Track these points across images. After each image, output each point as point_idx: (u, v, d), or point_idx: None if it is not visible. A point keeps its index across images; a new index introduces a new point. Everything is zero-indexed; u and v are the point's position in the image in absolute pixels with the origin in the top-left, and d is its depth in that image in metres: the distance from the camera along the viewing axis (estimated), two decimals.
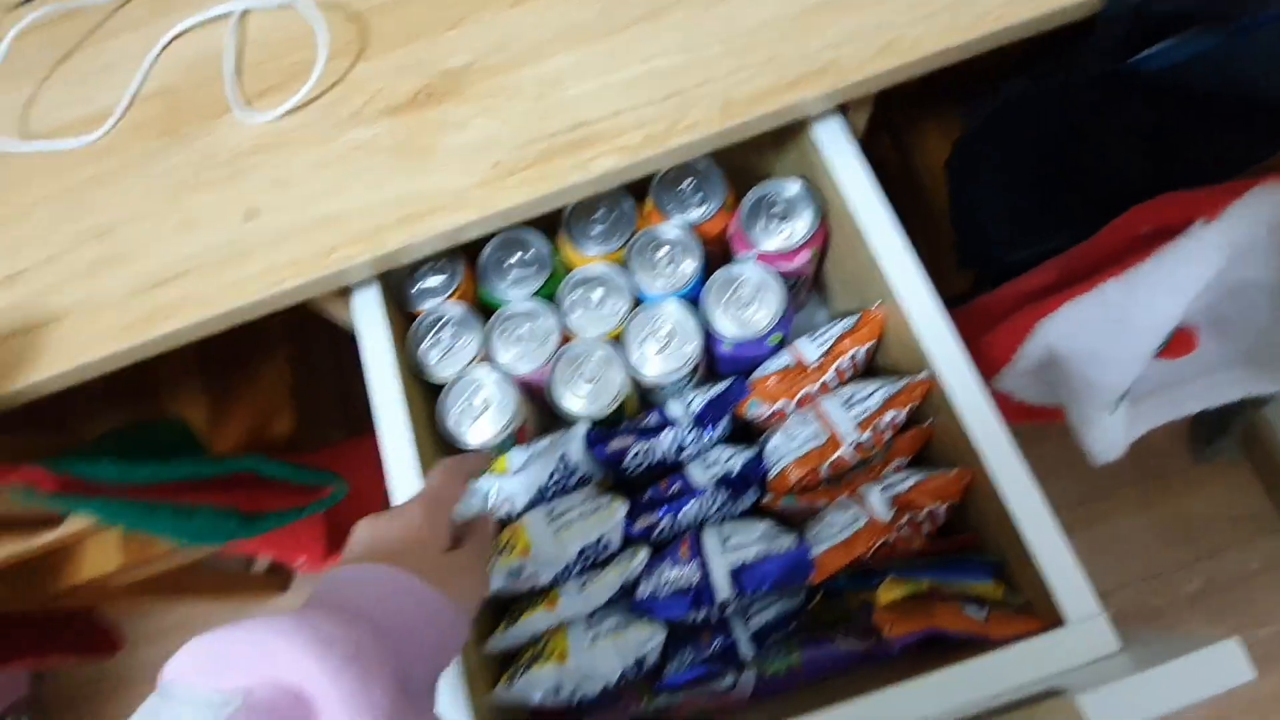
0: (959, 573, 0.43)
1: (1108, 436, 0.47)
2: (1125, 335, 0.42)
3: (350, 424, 0.89)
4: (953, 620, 0.41)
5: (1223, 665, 0.34)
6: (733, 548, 0.47)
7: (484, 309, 0.53)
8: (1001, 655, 0.38)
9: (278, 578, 1.20)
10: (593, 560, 0.49)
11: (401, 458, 0.47)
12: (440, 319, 0.53)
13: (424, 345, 0.52)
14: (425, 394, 0.52)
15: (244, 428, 0.79)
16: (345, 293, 0.51)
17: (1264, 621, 0.98)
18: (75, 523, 0.72)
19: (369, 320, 0.50)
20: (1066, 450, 1.05)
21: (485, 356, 0.52)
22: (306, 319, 0.86)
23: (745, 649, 0.48)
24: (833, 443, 0.47)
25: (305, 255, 0.45)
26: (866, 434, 0.47)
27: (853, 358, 0.50)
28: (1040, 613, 0.41)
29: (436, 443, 0.51)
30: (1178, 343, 0.44)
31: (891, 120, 0.84)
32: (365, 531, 0.35)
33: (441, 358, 0.52)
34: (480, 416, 0.50)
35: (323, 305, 0.53)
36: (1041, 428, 0.61)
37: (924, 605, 0.43)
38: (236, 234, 0.47)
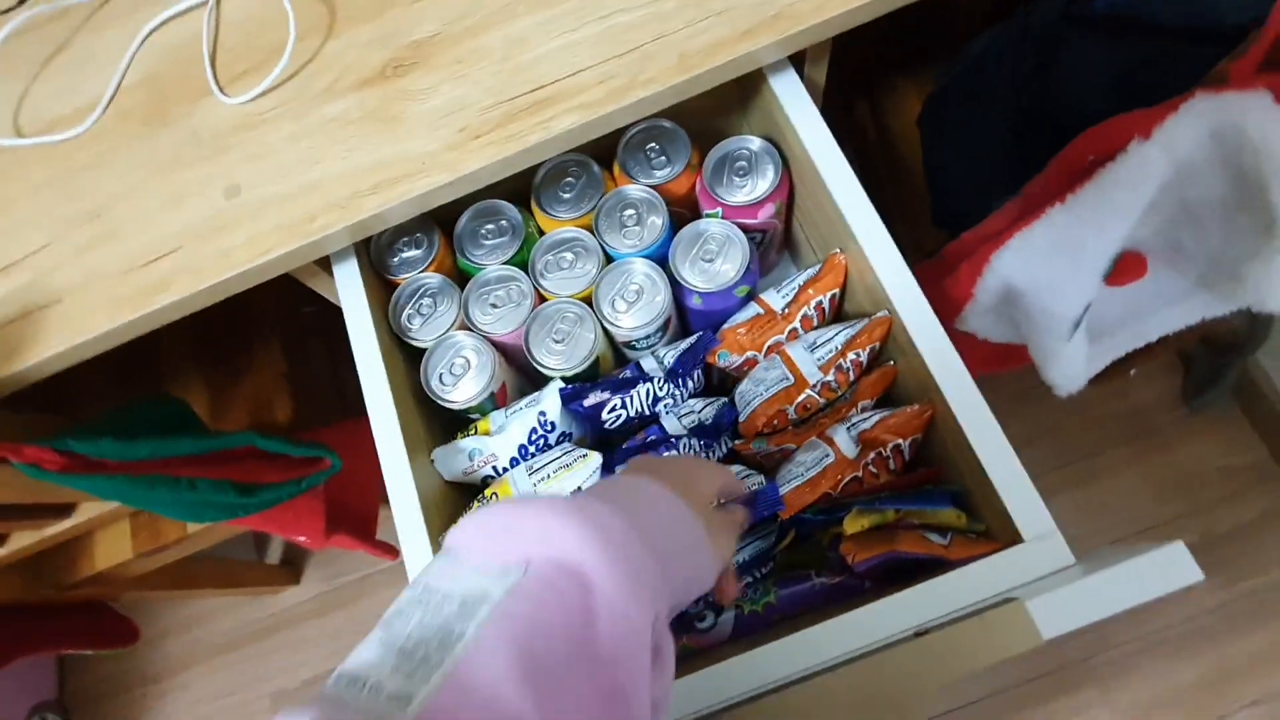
0: (922, 502, 0.44)
1: (1067, 368, 0.48)
2: (1074, 260, 0.43)
3: (346, 409, 0.92)
4: (914, 544, 0.42)
5: (1169, 567, 0.35)
6: None
7: (461, 277, 0.55)
8: (963, 573, 0.39)
9: (290, 570, 1.23)
10: None
11: (384, 417, 0.49)
12: (420, 288, 0.55)
13: (405, 313, 0.54)
14: (408, 358, 0.54)
15: (244, 415, 0.82)
16: (328, 266, 0.53)
17: (1263, 571, 0.99)
18: (86, 511, 0.74)
19: (351, 289, 0.52)
20: (1056, 413, 1.05)
21: (464, 323, 0.54)
22: (297, 310, 0.88)
23: None
24: (799, 385, 0.48)
25: (287, 223, 0.47)
26: (830, 375, 0.48)
27: (818, 305, 0.52)
28: (999, 535, 0.43)
29: (419, 402, 0.53)
30: (1126, 266, 0.45)
31: (869, 85, 0.86)
32: (645, 460, 0.38)
33: (423, 324, 0.54)
34: (461, 378, 0.52)
35: (308, 278, 0.55)
36: (1029, 388, 0.61)
37: (887, 533, 0.44)
38: (221, 207, 0.49)
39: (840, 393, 0.50)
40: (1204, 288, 0.47)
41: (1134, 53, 0.52)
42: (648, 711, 0.24)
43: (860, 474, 0.47)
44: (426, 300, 0.54)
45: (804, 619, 0.47)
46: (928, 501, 0.44)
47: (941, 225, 0.73)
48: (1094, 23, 0.53)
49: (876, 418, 0.48)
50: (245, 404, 0.82)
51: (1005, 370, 0.63)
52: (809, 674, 0.37)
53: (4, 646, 0.90)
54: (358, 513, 0.89)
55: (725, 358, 0.52)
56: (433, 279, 0.55)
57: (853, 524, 0.44)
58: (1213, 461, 1.05)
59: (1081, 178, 0.43)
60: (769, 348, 0.52)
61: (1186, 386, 1.11)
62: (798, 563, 0.52)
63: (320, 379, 0.93)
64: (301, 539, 0.78)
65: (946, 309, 0.46)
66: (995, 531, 0.43)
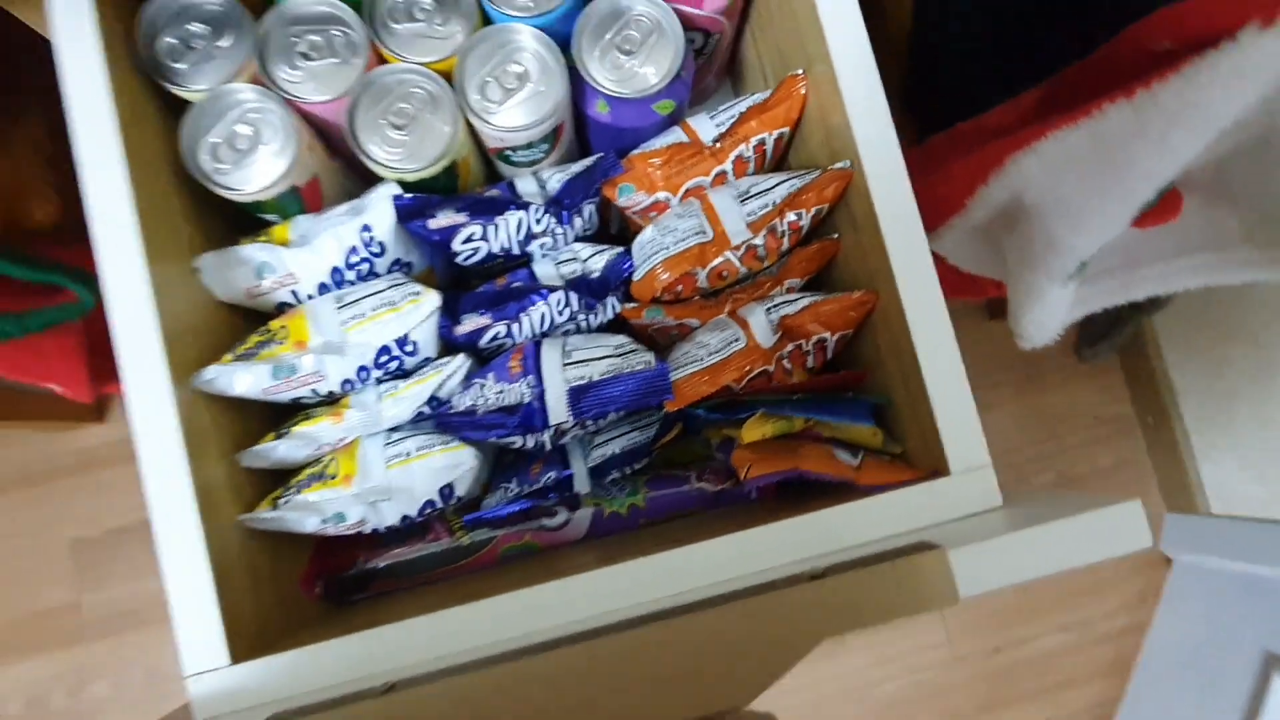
0: (840, 414, 0.36)
1: (1048, 316, 0.40)
2: (1118, 181, 0.33)
3: None
4: (821, 463, 0.34)
5: (1120, 529, 0.28)
6: (576, 363, 0.37)
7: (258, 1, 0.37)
8: (877, 502, 0.31)
9: (93, 406, 1.03)
10: (398, 367, 0.38)
11: (108, 196, 0.32)
12: (188, 7, 0.36)
13: (164, 41, 0.36)
14: (164, 114, 0.37)
15: None
16: None
17: None
18: None
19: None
20: (958, 340, 1.03)
21: (256, 75, 0.36)
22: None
23: (582, 484, 0.40)
24: (718, 243, 0.37)
25: None
26: (760, 237, 0.37)
27: (758, 145, 0.39)
28: (917, 462, 0.35)
29: (183, 189, 0.36)
30: (1165, 204, 0.35)
31: None
32: None
33: (191, 65, 0.36)
34: (248, 155, 0.36)
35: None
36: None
37: (791, 446, 0.35)
38: None
39: (767, 263, 0.39)
40: (1248, 244, 0.38)
41: None
42: None
43: (772, 368, 0.37)
44: (199, 27, 0.36)
45: (673, 529, 0.38)
46: (845, 414, 0.35)
47: (917, 105, 0.60)
48: None
49: (805, 301, 0.37)
50: None
51: (951, 299, 0.54)
52: (672, 607, 0.28)
53: None
54: None
55: (628, 193, 0.39)
56: None
57: (753, 431, 0.34)
58: (1085, 409, 1.08)
59: (1149, 71, 0.31)
60: (688, 190, 0.39)
61: (1082, 336, 1.12)
62: (676, 460, 0.43)
63: None
64: (56, 388, 0.60)
65: (926, 215, 0.35)
66: (914, 457, 0.35)
